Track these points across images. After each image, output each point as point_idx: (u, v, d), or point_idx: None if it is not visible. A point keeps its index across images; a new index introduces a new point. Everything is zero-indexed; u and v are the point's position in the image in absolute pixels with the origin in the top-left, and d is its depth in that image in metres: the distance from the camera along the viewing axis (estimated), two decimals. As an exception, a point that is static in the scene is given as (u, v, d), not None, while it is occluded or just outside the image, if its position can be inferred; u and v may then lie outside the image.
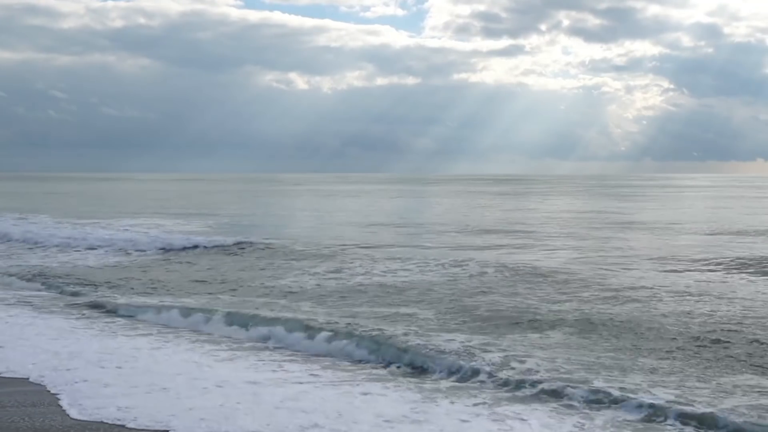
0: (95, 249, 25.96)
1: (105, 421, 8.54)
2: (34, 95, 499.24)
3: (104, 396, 9.40)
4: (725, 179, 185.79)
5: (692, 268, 19.68)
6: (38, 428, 8.31)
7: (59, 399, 9.34)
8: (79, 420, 8.60)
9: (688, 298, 15.49)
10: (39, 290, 18.14)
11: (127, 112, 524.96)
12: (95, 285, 18.76)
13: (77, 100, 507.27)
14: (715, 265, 19.84)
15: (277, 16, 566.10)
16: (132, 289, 18.28)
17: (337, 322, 13.33)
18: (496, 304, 15.19)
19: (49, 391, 9.65)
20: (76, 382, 9.99)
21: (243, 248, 25.35)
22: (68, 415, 8.75)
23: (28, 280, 19.62)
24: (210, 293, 17.47)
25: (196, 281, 19.48)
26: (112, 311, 15.34)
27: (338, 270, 20.35)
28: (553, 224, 36.34)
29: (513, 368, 10.39)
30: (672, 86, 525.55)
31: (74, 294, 17.52)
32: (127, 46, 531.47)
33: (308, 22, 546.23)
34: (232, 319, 13.92)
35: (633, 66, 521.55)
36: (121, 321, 14.43)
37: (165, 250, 25.32)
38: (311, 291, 17.43)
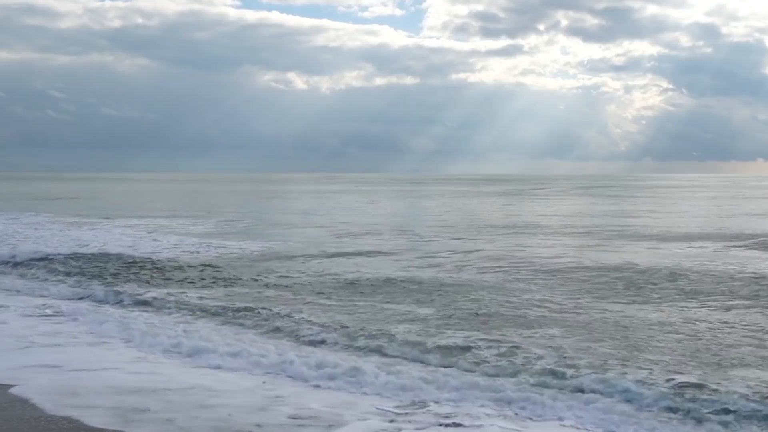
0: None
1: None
2: (33, 95, 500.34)
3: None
4: (724, 179, 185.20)
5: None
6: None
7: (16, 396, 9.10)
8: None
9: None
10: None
11: (126, 112, 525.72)
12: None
13: (76, 100, 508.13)
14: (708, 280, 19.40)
15: (275, 16, 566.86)
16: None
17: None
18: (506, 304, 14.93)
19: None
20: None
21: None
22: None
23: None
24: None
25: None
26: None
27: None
28: (550, 225, 36.10)
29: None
30: (671, 86, 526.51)
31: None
32: (125, 46, 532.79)
33: (306, 22, 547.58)
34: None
35: (632, 66, 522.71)
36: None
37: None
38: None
